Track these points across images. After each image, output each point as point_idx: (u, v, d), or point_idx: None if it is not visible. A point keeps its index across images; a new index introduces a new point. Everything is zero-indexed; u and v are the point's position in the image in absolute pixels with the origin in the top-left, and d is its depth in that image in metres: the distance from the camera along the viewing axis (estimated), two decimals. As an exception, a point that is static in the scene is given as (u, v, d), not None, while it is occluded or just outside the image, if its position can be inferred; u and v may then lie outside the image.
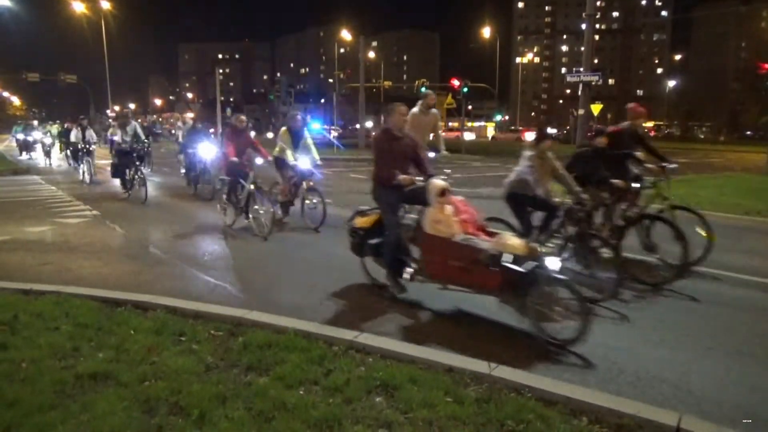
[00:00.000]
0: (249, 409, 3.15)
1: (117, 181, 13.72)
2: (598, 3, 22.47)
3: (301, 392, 3.37)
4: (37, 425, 2.96)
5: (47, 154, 24.96)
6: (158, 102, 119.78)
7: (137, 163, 12.48)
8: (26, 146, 28.61)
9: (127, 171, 12.63)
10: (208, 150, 13.11)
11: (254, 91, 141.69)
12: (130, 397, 3.25)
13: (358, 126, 50.99)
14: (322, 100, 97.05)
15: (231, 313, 4.70)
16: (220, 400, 3.24)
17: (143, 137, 12.80)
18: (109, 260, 7.09)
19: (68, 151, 19.94)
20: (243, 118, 9.50)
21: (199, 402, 3.17)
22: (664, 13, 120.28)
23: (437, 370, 3.67)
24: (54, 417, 3.03)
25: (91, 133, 16.72)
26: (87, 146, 16.44)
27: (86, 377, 3.49)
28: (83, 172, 16.34)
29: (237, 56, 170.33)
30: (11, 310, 4.60)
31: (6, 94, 79.85)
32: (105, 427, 2.96)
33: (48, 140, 25.61)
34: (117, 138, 22.40)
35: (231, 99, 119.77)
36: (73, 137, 16.76)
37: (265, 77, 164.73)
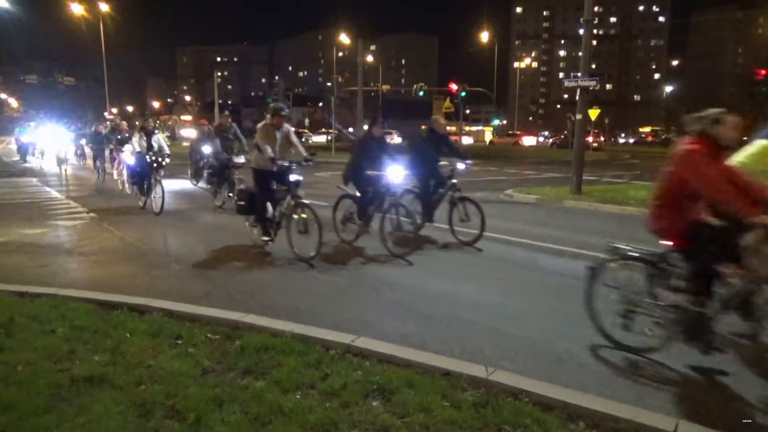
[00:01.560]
0: (245, 413, 3.14)
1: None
2: (596, 8, 22.59)
3: (298, 396, 3.36)
4: (33, 428, 2.94)
5: (63, 163, 20.11)
6: (156, 104, 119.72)
7: (297, 190, 7.22)
8: (33, 151, 25.03)
9: (269, 205, 7.56)
10: (397, 173, 7.73)
11: (252, 94, 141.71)
12: (125, 401, 3.23)
13: (351, 129, 50.73)
14: (320, 104, 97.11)
15: (228, 317, 4.69)
16: (217, 403, 3.22)
17: (304, 151, 7.59)
18: (106, 262, 7.07)
19: (123, 169, 14.33)
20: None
21: (196, 406, 3.16)
22: (661, 18, 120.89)
23: (434, 374, 3.67)
24: (49, 420, 3.01)
25: (159, 140, 11.46)
26: (157, 160, 10.93)
27: (82, 380, 3.47)
28: (149, 197, 11.13)
29: (235, 59, 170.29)
30: (7, 313, 4.58)
31: (4, 95, 79.79)
32: (101, 430, 2.94)
33: (63, 146, 20.86)
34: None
35: (229, 102, 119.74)
36: (136, 145, 11.29)
37: (263, 80, 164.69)
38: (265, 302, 5.40)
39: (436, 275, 6.56)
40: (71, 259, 7.22)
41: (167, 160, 11.27)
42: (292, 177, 7.22)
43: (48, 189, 15.43)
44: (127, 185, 13.71)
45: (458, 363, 3.84)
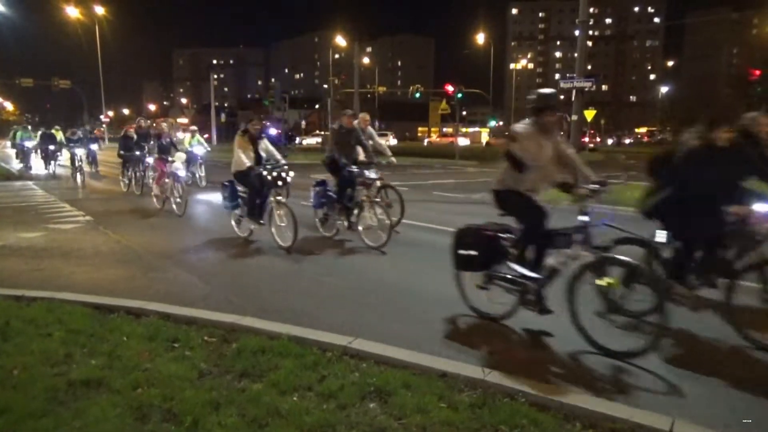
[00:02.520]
0: (242, 415, 3.14)
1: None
2: (591, 9, 22.67)
3: (295, 398, 3.36)
4: (29, 432, 2.94)
5: (78, 171, 17.97)
6: (152, 107, 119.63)
7: (592, 236, 4.36)
8: (46, 156, 21.77)
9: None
10: None
11: (249, 96, 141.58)
12: (122, 404, 3.23)
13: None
14: (317, 106, 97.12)
15: (224, 319, 4.69)
16: (214, 406, 3.22)
17: (589, 170, 4.81)
18: (102, 266, 7.05)
19: (170, 184, 11.45)
20: None
21: (192, 408, 3.16)
22: (656, 19, 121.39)
23: (431, 376, 3.67)
24: (46, 424, 3.01)
25: (268, 147, 8.39)
26: (280, 175, 7.82)
27: (79, 384, 3.47)
28: (268, 226, 8.04)
29: (231, 62, 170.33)
30: (3, 317, 4.57)
31: (-1, 98, 79.48)
32: (97, 434, 2.94)
33: (79, 151, 18.81)
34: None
35: (225, 104, 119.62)
36: (244, 159, 7.93)
37: (259, 83, 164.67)
38: (264, 305, 5.40)
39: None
40: (68, 262, 7.20)
41: (291, 174, 8.04)
42: (583, 215, 4.34)
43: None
44: (174, 205, 11.21)
45: (455, 364, 3.84)
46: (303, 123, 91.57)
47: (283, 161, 8.33)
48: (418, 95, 41.78)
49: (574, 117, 15.02)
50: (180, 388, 3.42)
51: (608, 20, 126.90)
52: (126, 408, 3.20)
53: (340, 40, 48.34)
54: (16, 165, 25.00)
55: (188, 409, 3.15)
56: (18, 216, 11.06)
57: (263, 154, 8.27)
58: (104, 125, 48.56)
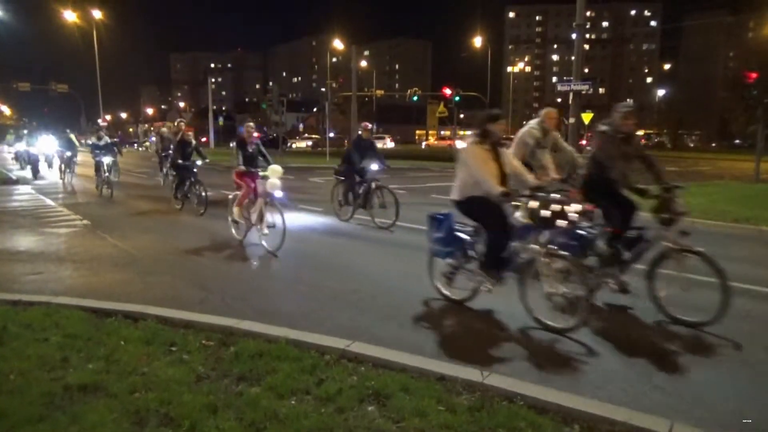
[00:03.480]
0: (240, 419, 3.13)
1: None
2: (588, 13, 22.78)
3: (293, 402, 3.35)
4: (26, 437, 2.92)
5: (105, 182, 15.06)
6: (150, 111, 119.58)
7: None
8: (61, 164, 19.03)
9: None
10: None
11: (246, 100, 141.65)
12: (119, 409, 3.22)
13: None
14: (315, 109, 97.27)
15: (222, 323, 4.68)
16: (211, 410, 3.21)
17: None
18: (99, 270, 7.03)
19: (257, 206, 8.16)
20: None
21: (190, 413, 3.14)
22: (653, 23, 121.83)
23: (429, 379, 3.66)
24: (43, 429, 3.00)
25: (511, 161, 5.26)
26: (562, 212, 4.58)
27: (75, 388, 3.46)
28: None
29: (229, 65, 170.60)
30: (0, 321, 4.56)
31: (-4, 103, 79.22)
32: (94, 438, 2.92)
33: (107, 160, 15.35)
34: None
35: (223, 108, 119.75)
36: (487, 181, 4.86)
37: (257, 86, 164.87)
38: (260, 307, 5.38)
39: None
40: (65, 266, 7.18)
41: (577, 207, 4.68)
42: None
43: (41, 196, 15.30)
44: (263, 239, 8.04)
45: (453, 367, 3.84)
46: (301, 126, 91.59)
47: (536, 183, 5.12)
48: (415, 98, 41.84)
49: (572, 120, 15.06)
50: (178, 392, 3.41)
51: (605, 23, 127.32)
52: (123, 412, 3.18)
53: (338, 44, 48.41)
54: (17, 170, 24.58)
55: (186, 413, 3.14)
56: (14, 220, 11.01)
57: (507, 169, 5.19)
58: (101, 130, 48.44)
